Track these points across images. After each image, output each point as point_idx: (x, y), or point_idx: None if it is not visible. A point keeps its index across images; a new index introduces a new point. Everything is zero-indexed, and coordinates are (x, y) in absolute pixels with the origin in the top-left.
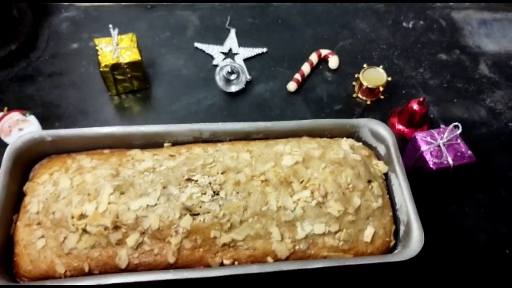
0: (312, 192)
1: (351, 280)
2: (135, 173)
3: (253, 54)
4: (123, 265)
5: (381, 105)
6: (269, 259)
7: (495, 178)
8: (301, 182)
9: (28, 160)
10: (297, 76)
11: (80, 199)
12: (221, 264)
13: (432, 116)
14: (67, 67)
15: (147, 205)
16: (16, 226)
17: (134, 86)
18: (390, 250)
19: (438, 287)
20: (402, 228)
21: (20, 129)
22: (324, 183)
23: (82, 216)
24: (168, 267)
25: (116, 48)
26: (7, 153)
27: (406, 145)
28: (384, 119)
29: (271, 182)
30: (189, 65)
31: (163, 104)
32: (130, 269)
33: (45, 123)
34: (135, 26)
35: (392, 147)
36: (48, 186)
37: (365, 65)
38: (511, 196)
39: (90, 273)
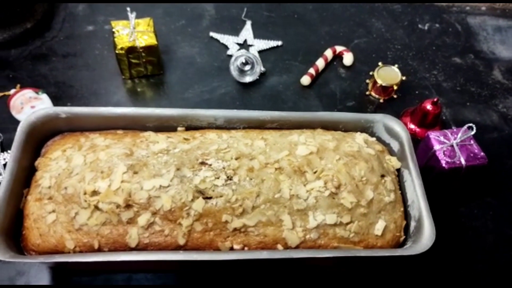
0: (325, 183)
1: (359, 272)
2: (149, 154)
3: (267, 47)
4: (133, 244)
5: (394, 104)
6: (279, 246)
7: (505, 182)
8: (315, 172)
9: (41, 136)
10: (311, 70)
11: (93, 176)
12: (231, 249)
13: (444, 118)
14: (81, 49)
15: (160, 186)
16: (27, 200)
17: (148, 71)
18: (399, 245)
19: (443, 285)
20: (412, 224)
21: (32, 107)
22: (337, 175)
23: (94, 193)
24: (177, 248)
25: (133, 31)
26: (21, 127)
27: (418, 145)
28: (396, 118)
29: (285, 170)
30: (203, 54)
31: (176, 90)
32: (140, 248)
33: (57, 102)
34: (151, 13)
35: (406, 143)
36: (61, 162)
37: (380, 63)
38: None
39: (99, 250)
